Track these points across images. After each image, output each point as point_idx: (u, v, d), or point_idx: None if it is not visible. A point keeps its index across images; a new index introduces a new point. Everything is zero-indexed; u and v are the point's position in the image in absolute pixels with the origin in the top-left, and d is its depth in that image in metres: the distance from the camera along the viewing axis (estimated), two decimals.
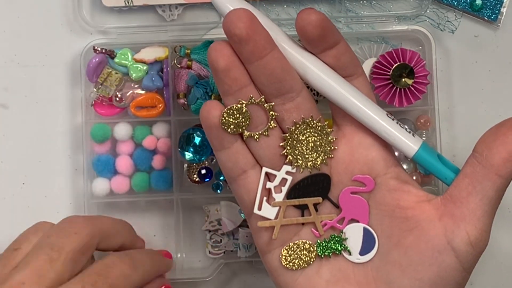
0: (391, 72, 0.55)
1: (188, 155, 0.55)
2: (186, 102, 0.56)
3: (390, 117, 0.42)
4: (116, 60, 0.56)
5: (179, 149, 0.55)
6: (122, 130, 0.56)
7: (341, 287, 0.41)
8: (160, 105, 0.56)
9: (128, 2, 0.57)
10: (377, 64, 0.56)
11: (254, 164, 0.43)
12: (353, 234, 0.41)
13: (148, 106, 0.56)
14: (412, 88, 0.55)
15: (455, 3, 0.57)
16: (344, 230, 0.42)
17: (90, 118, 0.57)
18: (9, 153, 0.59)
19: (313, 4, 0.58)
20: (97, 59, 0.56)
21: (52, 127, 0.58)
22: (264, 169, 0.42)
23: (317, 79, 0.41)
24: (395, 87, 0.55)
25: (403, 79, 0.55)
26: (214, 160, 0.56)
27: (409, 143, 0.41)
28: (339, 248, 0.41)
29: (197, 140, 0.55)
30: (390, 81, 0.55)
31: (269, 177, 0.43)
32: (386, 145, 0.42)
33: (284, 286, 0.42)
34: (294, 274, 0.42)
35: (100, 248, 0.45)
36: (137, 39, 0.57)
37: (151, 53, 0.56)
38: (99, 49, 0.56)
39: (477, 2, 0.57)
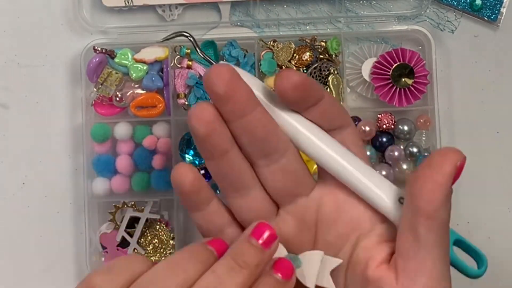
0: (391, 72, 0.55)
1: (188, 158, 0.55)
2: (186, 102, 0.56)
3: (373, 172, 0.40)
4: (116, 60, 0.56)
5: (179, 152, 0.55)
6: (122, 130, 0.56)
7: None
8: (160, 105, 0.56)
9: (128, 2, 0.57)
10: (377, 64, 0.56)
11: (231, 222, 0.41)
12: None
13: (148, 106, 0.56)
14: (412, 88, 0.55)
15: (455, 3, 0.57)
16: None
17: (90, 118, 0.57)
18: (9, 153, 0.59)
19: (313, 4, 0.58)
20: (97, 59, 0.56)
21: (52, 127, 0.58)
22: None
23: (306, 145, 0.39)
24: (395, 87, 0.55)
25: (403, 79, 0.55)
26: None
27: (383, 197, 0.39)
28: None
29: None
30: (390, 81, 0.55)
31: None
32: None
33: None
34: None
35: None
36: (137, 39, 0.57)
37: (151, 53, 0.56)
38: (99, 49, 0.56)
39: (477, 2, 0.57)
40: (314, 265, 0.39)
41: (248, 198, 0.40)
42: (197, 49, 0.41)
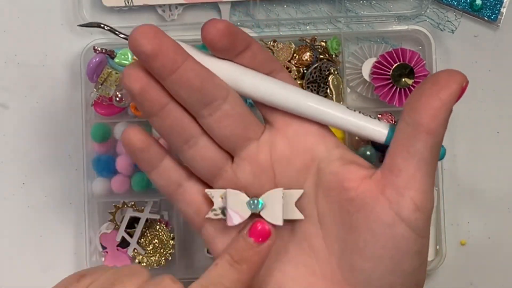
0: (391, 72, 0.55)
1: None
2: None
3: (350, 109, 0.41)
4: (116, 60, 0.56)
5: None
6: (122, 130, 0.56)
7: (308, 283, 0.40)
8: None
9: (128, 2, 0.57)
10: (377, 64, 0.56)
11: (189, 176, 0.42)
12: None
13: None
14: (412, 88, 0.55)
15: (455, 3, 0.57)
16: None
17: (90, 118, 0.57)
18: (9, 153, 0.59)
19: (313, 4, 0.58)
20: (97, 59, 0.56)
21: (52, 127, 0.58)
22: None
23: (251, 87, 0.40)
24: (395, 87, 0.55)
25: (403, 79, 0.55)
26: None
27: (378, 129, 0.40)
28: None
29: None
30: (390, 81, 0.55)
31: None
32: (323, 128, 0.41)
33: None
34: (261, 277, 0.41)
35: None
36: None
37: None
38: (99, 49, 0.56)
39: (477, 2, 0.57)
40: (277, 203, 0.40)
41: (198, 147, 0.41)
42: (117, 34, 0.43)
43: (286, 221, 0.40)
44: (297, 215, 0.40)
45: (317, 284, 0.40)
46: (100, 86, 0.56)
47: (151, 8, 0.58)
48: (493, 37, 0.58)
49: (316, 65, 0.56)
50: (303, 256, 0.41)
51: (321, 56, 0.56)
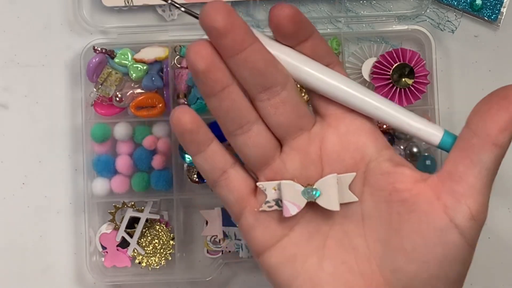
0: (391, 72, 0.55)
1: (188, 158, 0.55)
2: (186, 102, 0.56)
3: (407, 109, 0.41)
4: (116, 60, 0.56)
5: (179, 152, 0.55)
6: (122, 130, 0.56)
7: (345, 280, 0.40)
8: (160, 105, 0.56)
9: (128, 2, 0.57)
10: (377, 64, 0.56)
11: (234, 163, 0.42)
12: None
13: (148, 106, 0.56)
14: (412, 88, 0.55)
15: (455, 3, 0.57)
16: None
17: (90, 118, 0.57)
18: (9, 153, 0.59)
19: (313, 4, 0.58)
20: (97, 59, 0.56)
21: (52, 127, 0.58)
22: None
23: (310, 76, 0.40)
24: (395, 87, 0.55)
25: (403, 79, 0.55)
26: None
27: (433, 131, 0.40)
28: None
29: None
30: (390, 81, 0.55)
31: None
32: (375, 129, 0.41)
33: (285, 285, 0.41)
34: (295, 270, 0.41)
35: None
36: (137, 39, 0.57)
37: (151, 53, 0.56)
38: (99, 49, 0.56)
39: (477, 2, 0.57)
40: (332, 189, 0.40)
41: (251, 134, 0.40)
42: (188, 13, 0.42)
43: (328, 215, 0.41)
44: (352, 197, 0.40)
45: (354, 282, 0.40)
46: (100, 86, 0.56)
47: (151, 8, 0.58)
48: (493, 37, 0.58)
49: None
50: (343, 253, 0.41)
51: None
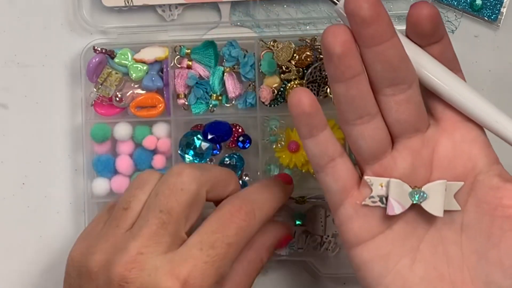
0: None
1: (188, 158, 0.55)
2: (186, 102, 0.56)
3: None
4: (116, 60, 0.56)
5: (179, 152, 0.55)
6: (122, 130, 0.56)
7: (434, 286, 0.40)
8: (160, 105, 0.56)
9: (128, 2, 0.57)
10: None
11: (343, 152, 0.41)
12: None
13: (148, 106, 0.56)
14: None
15: (455, 3, 0.57)
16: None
17: (90, 118, 0.57)
18: (9, 153, 0.59)
19: (313, 4, 0.58)
20: (97, 59, 0.56)
21: (52, 127, 0.58)
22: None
23: (437, 78, 0.40)
24: None
25: None
26: (213, 163, 0.56)
27: None
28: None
29: (197, 143, 0.55)
30: None
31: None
32: (488, 142, 0.41)
33: (374, 282, 0.41)
34: (386, 268, 0.41)
35: (209, 199, 0.44)
36: (137, 39, 0.57)
37: (151, 53, 0.56)
38: (99, 49, 0.56)
39: (477, 2, 0.57)
40: (439, 195, 0.40)
41: (369, 126, 0.40)
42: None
43: (428, 219, 0.41)
44: (456, 206, 0.40)
45: None
46: (100, 86, 0.56)
47: (151, 8, 0.58)
48: (493, 37, 0.58)
49: (316, 65, 0.56)
50: (436, 259, 0.41)
51: (321, 56, 0.56)
